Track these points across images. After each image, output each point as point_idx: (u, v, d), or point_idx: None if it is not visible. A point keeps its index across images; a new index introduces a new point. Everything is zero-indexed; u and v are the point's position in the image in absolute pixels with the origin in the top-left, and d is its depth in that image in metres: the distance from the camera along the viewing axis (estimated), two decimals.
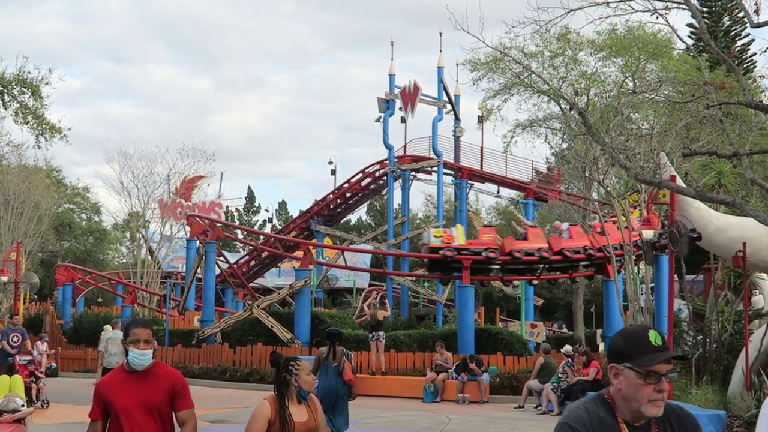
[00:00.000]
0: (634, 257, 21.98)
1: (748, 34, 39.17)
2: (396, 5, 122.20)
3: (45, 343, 28.53)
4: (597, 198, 29.43)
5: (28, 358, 18.90)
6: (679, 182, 16.37)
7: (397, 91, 35.16)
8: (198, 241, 30.37)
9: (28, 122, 25.43)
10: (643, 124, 22.64)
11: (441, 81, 35.47)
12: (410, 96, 34.65)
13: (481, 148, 36.77)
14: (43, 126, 25.70)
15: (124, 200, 41.45)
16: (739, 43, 39.42)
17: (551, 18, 13.54)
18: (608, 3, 12.91)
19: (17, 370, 17.66)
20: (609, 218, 26.59)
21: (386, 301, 28.50)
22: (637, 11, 13.28)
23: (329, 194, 39.86)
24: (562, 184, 35.91)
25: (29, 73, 25.05)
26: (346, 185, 39.04)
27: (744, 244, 15.58)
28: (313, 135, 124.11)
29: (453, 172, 36.74)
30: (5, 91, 24.88)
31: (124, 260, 60.99)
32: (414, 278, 36.14)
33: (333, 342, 12.66)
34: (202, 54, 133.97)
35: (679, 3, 12.72)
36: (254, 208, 75.85)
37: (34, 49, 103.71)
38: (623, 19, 23.54)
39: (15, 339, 18.86)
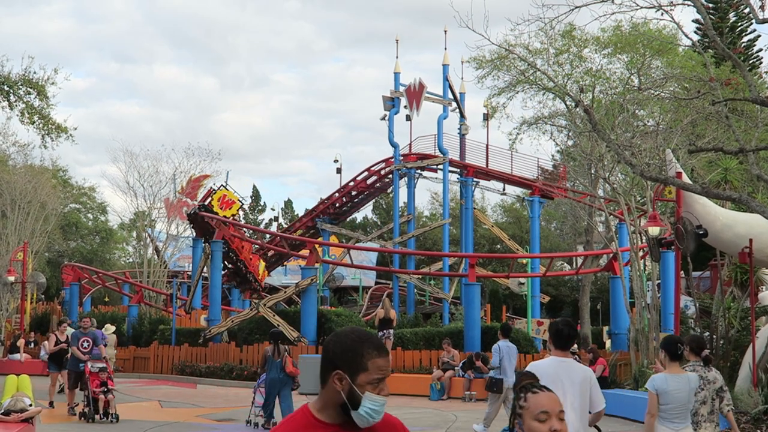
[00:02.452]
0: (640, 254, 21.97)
1: (754, 30, 39.05)
2: (400, 4, 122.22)
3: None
4: (603, 195, 29.40)
5: (101, 365, 16.30)
6: (685, 179, 16.34)
7: (402, 89, 35.18)
8: (204, 240, 30.41)
9: (33, 122, 25.49)
10: (648, 121, 22.62)
11: (446, 79, 35.47)
12: (415, 94, 34.66)
13: (487, 145, 36.79)
14: (49, 126, 25.76)
15: (130, 200, 41.53)
16: (745, 39, 39.29)
17: (556, 15, 13.54)
18: (613, 0, 12.90)
19: (87, 379, 16.01)
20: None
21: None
22: (642, 8, 13.27)
23: (335, 192, 39.88)
24: (568, 181, 35.85)
25: (35, 73, 25.12)
26: (352, 183, 39.06)
27: (750, 240, 15.56)
28: (318, 134, 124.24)
29: (458, 170, 36.75)
30: (11, 91, 24.93)
31: (131, 260, 61.01)
32: (420, 276, 36.16)
33: (276, 341, 15.17)
34: (207, 53, 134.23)
35: None
36: (260, 207, 75.90)
37: (40, 49, 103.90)
38: (628, 16, 23.47)
39: (86, 344, 16.79)
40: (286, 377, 15.01)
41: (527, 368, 5.88)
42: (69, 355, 17.15)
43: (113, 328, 27.27)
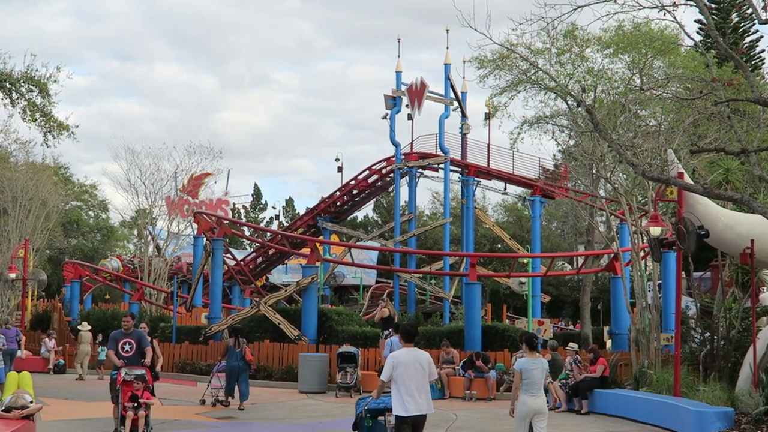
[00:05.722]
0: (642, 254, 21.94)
1: (757, 31, 39.06)
2: (402, 2, 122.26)
3: (53, 340, 28.65)
4: (604, 195, 29.36)
5: (138, 372, 13.24)
6: (687, 179, 16.33)
7: (403, 88, 35.18)
8: (205, 238, 30.43)
9: (35, 120, 25.48)
10: (650, 121, 22.59)
11: (448, 78, 35.46)
12: (417, 93, 34.65)
13: (488, 145, 36.77)
14: (51, 123, 25.75)
15: (132, 197, 41.52)
16: (748, 39, 39.29)
17: (558, 15, 13.54)
18: (615, 0, 12.91)
19: (119, 389, 13.17)
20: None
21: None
22: (644, 8, 13.27)
23: (336, 191, 39.86)
24: (569, 181, 35.85)
25: (37, 71, 25.10)
26: (353, 182, 39.05)
27: (752, 241, 15.56)
28: (318, 133, 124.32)
29: (460, 169, 36.73)
30: (13, 88, 24.93)
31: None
32: (421, 275, 36.14)
33: (237, 335, 18.62)
34: (208, 52, 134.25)
35: None
36: (261, 206, 75.96)
37: (41, 47, 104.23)
38: (630, 16, 23.46)
39: (127, 347, 13.48)
40: (245, 364, 18.34)
41: (390, 356, 9.32)
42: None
43: (89, 327, 27.40)
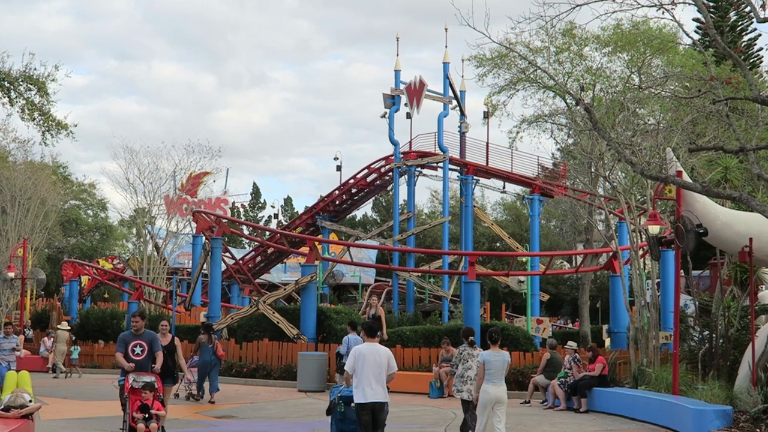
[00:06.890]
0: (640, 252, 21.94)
1: (755, 29, 39.04)
2: (401, 1, 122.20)
3: (52, 339, 28.64)
4: (603, 193, 29.35)
5: (147, 379, 12.03)
6: (686, 177, 16.33)
7: (402, 86, 35.16)
8: (204, 237, 30.43)
9: (34, 119, 25.45)
10: (649, 120, 22.59)
11: (446, 77, 35.43)
12: (416, 92, 34.64)
13: (487, 143, 36.75)
14: (49, 122, 25.73)
15: (130, 196, 41.51)
16: (746, 38, 39.26)
17: (557, 13, 13.54)
18: None
19: (126, 398, 11.99)
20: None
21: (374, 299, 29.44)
22: (643, 6, 13.27)
23: (335, 190, 39.86)
24: (568, 179, 35.84)
25: (35, 69, 25.08)
26: (352, 181, 39.03)
27: (750, 239, 15.56)
28: (317, 132, 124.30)
29: (459, 168, 36.72)
30: (12, 87, 24.90)
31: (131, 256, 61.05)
32: (420, 274, 36.14)
33: (208, 331, 20.36)
34: (206, 51, 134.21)
35: None
36: (260, 205, 75.96)
37: (40, 45, 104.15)
38: (628, 15, 23.43)
39: (138, 349, 12.19)
40: (216, 360, 19.79)
41: (353, 349, 10.42)
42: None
43: (67, 327, 27.45)
